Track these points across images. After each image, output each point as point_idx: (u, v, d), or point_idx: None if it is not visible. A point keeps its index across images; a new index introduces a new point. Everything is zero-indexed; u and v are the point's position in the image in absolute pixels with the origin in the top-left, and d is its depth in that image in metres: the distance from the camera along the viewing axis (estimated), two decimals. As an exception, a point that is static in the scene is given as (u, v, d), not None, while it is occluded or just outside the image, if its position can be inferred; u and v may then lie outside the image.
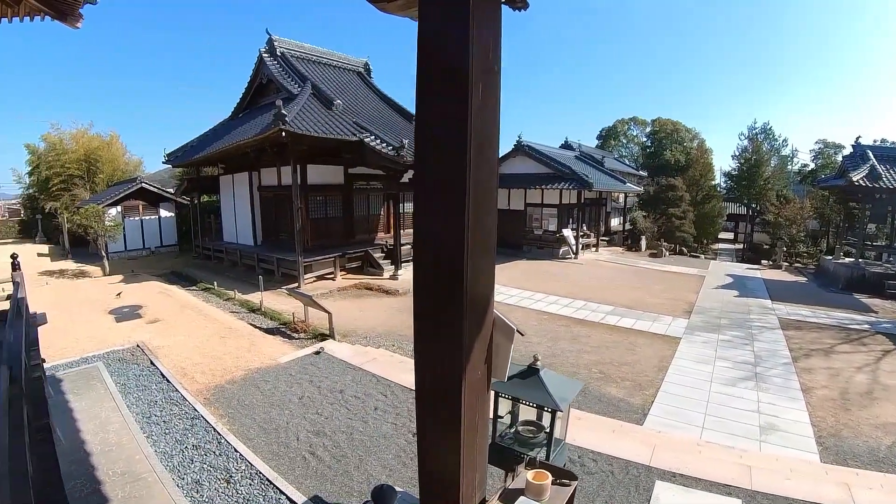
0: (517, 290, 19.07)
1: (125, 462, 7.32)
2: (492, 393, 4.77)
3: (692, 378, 11.35)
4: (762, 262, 36.07)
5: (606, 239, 36.08)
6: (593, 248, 32.53)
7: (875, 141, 27.08)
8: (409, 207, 23.39)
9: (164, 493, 6.58)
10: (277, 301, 16.97)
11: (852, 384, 11.72)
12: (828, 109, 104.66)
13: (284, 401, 9.48)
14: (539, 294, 18.58)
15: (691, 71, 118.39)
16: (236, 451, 7.67)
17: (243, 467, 7.24)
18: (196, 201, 30.21)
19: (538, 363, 4.73)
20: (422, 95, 2.65)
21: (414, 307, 2.95)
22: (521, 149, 30.49)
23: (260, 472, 7.07)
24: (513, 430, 4.98)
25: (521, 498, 3.45)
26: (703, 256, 38.95)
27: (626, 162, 55.43)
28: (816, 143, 57.73)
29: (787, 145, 55.68)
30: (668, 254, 35.28)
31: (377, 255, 22.79)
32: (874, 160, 25.10)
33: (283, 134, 16.80)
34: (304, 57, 26.45)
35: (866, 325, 17.54)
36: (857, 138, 27.37)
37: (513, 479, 3.74)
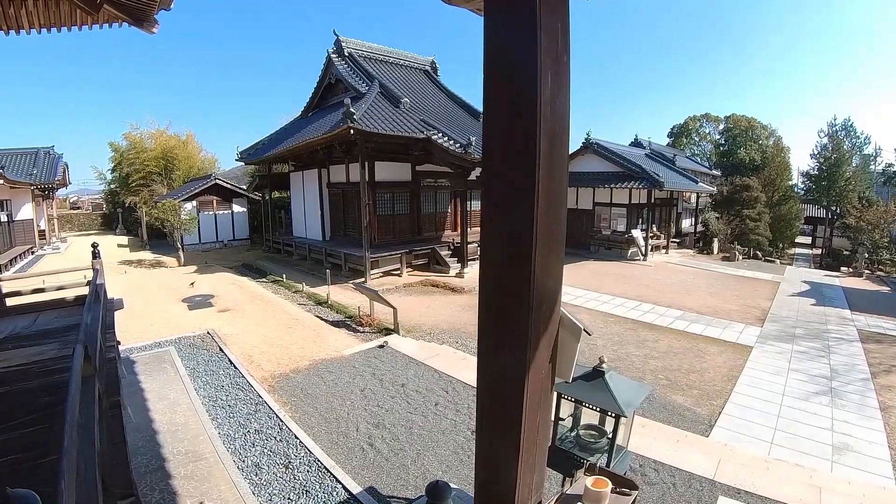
0: (583, 290, 18.74)
1: (190, 442, 7.63)
2: (554, 394, 4.70)
3: (763, 390, 10.85)
4: (842, 269, 34.23)
5: (677, 241, 34.95)
6: (663, 250, 31.58)
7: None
8: (476, 205, 23.36)
9: (225, 474, 6.81)
10: (344, 295, 17.30)
11: None
12: None
13: (346, 392, 9.64)
14: (606, 296, 18.20)
15: (769, 63, 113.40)
16: (297, 437, 7.87)
17: (302, 454, 7.41)
18: (267, 197, 31.24)
19: (604, 365, 4.60)
20: (489, 89, 2.59)
21: (479, 302, 2.90)
22: (589, 146, 29.85)
23: (318, 460, 7.22)
24: (574, 434, 4.86)
25: None
26: (778, 261, 37.15)
27: (699, 161, 53.35)
28: None
29: (869, 143, 51.81)
30: (741, 258, 33.85)
31: (444, 252, 22.88)
32: None
33: (352, 132, 17.11)
34: (371, 56, 26.84)
35: None
36: None
37: (571, 485, 3.63)
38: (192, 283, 19.42)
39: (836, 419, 9.78)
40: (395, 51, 28.79)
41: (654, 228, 31.01)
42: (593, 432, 4.75)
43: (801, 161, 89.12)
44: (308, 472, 6.97)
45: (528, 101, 2.40)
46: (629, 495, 3.60)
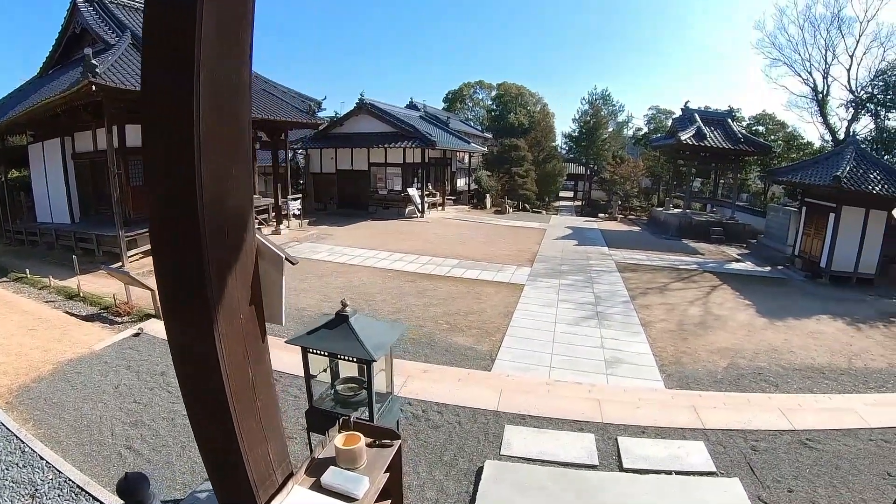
0: (362, 249, 18.65)
1: None
2: (298, 349, 4.34)
3: (538, 321, 11.69)
4: (599, 215, 39.00)
5: (453, 198, 36.53)
6: (439, 207, 32.79)
7: (700, 108, 29.95)
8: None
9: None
10: (99, 284, 15.13)
11: (687, 316, 12.84)
12: (660, 80, 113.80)
13: (98, 393, 8.39)
14: (384, 252, 18.32)
15: (537, 37, 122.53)
16: (42, 458, 6.61)
17: (51, 477, 6.22)
18: (2, 178, 26.34)
19: (347, 309, 4.28)
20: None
21: (150, 242, 2.38)
22: (363, 107, 29.58)
23: (70, 480, 6.10)
24: (333, 391, 4.59)
25: (331, 468, 3.03)
26: (545, 212, 40.97)
27: (472, 124, 56.38)
28: (650, 108, 63.37)
29: (623, 111, 62.31)
30: (511, 211, 36.62)
31: None
32: (700, 122, 28.06)
33: (94, 88, 14.80)
34: (126, 4, 23.57)
35: (695, 265, 19.59)
36: (686, 102, 30.58)
37: (323, 448, 3.31)
38: None
39: (606, 337, 10.92)
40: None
41: (430, 187, 31.93)
42: (353, 385, 4.51)
43: (564, 125, 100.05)
44: (59, 496, 5.86)
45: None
46: (391, 446, 3.40)
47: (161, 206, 2.25)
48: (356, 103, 30.11)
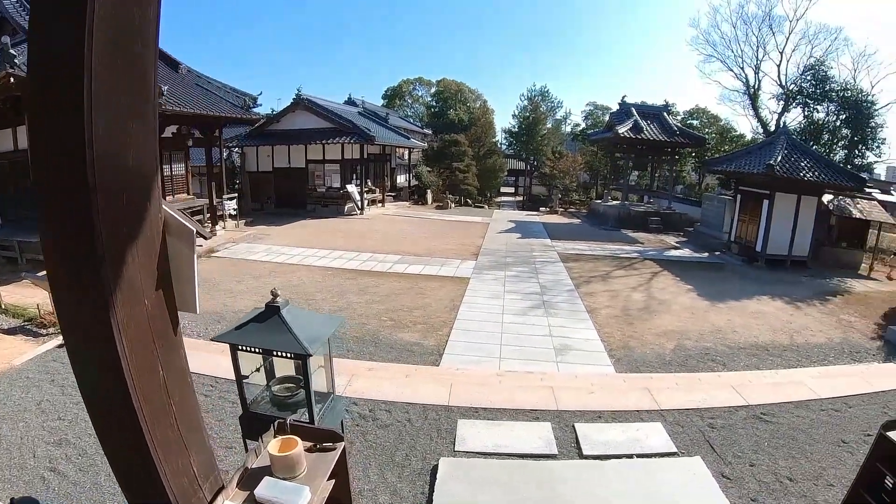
0: (301, 248, 17.90)
1: None
2: (227, 346, 3.86)
3: (485, 313, 11.47)
4: (541, 209, 39.29)
5: (393, 194, 36.03)
6: (380, 204, 32.21)
7: (637, 102, 30.93)
8: (177, 169, 20.87)
9: None
10: (23, 294, 13.97)
11: (631, 302, 12.96)
12: (598, 76, 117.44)
13: (19, 411, 7.58)
14: (324, 251, 17.63)
15: (477, 34, 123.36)
16: None
17: None
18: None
19: (278, 300, 3.85)
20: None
21: (38, 215, 1.89)
22: (301, 102, 28.58)
23: None
24: (269, 392, 4.13)
25: (266, 479, 2.57)
26: (487, 207, 41.04)
27: (412, 121, 55.97)
28: (587, 105, 64.31)
29: (562, 107, 63.94)
30: (453, 206, 36.42)
31: None
32: (637, 116, 28.69)
33: (13, 81, 13.57)
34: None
35: (635, 254, 20.00)
36: (623, 97, 31.25)
37: (257, 455, 2.84)
38: None
39: (554, 326, 10.80)
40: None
41: (370, 183, 31.40)
42: (290, 385, 4.06)
43: (504, 121, 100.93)
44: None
45: None
46: (333, 449, 2.96)
47: (44, 166, 1.78)
48: (293, 99, 29.23)
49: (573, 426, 6.65)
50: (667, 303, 13.01)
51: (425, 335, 10.10)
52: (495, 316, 11.27)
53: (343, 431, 3.78)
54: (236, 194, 24.67)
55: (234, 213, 23.13)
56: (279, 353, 3.72)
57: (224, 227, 21.56)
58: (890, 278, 18.27)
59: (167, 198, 19.53)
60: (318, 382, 4.03)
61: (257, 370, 4.13)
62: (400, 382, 7.90)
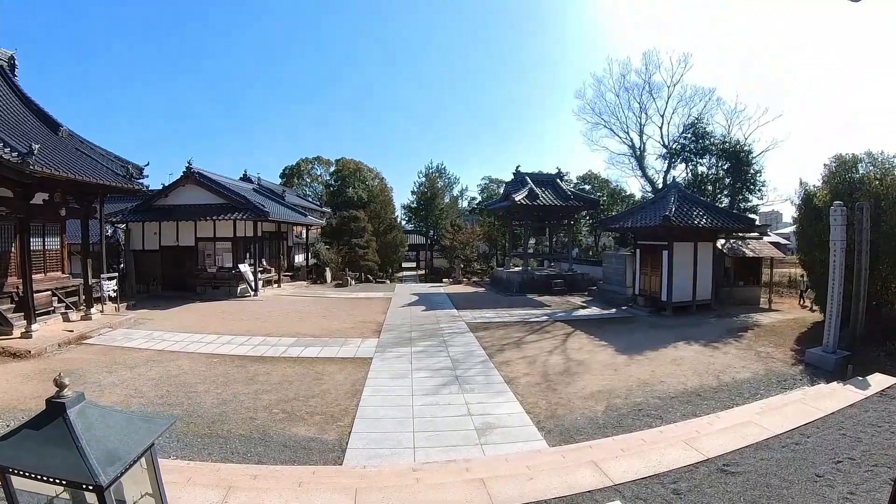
0: (186, 334, 15.89)
1: None
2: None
3: (391, 396, 10.18)
4: (444, 280, 38.89)
5: (290, 274, 34.33)
6: (275, 284, 30.45)
7: (531, 171, 32.48)
8: (50, 242, 18.40)
9: None
10: None
11: (550, 366, 12.27)
12: (492, 151, 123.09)
13: None
14: (211, 336, 15.75)
15: (376, 115, 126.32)
16: None
17: None
18: None
19: (66, 392, 2.55)
20: None
21: None
22: (191, 175, 26.69)
23: None
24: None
25: None
26: (388, 282, 40.33)
27: (310, 199, 55.17)
28: (483, 178, 66.79)
29: (458, 182, 67.24)
30: (354, 283, 35.39)
31: (4, 307, 16.93)
32: (532, 184, 29.69)
33: None
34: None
35: (545, 317, 19.63)
36: (518, 167, 32.50)
37: None
38: None
39: (471, 402, 9.64)
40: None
41: (265, 263, 29.69)
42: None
43: (403, 198, 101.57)
44: None
45: None
46: None
47: None
48: (183, 172, 27.16)
49: (521, 529, 5.34)
50: (586, 363, 12.40)
51: (324, 428, 8.59)
52: (404, 398, 9.95)
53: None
54: (116, 274, 22.10)
55: (114, 294, 20.58)
56: (52, 480, 2.37)
57: (102, 311, 19.09)
58: (803, 307, 19.98)
59: (37, 275, 17.08)
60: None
61: (56, 497, 2.67)
62: (291, 494, 5.98)
